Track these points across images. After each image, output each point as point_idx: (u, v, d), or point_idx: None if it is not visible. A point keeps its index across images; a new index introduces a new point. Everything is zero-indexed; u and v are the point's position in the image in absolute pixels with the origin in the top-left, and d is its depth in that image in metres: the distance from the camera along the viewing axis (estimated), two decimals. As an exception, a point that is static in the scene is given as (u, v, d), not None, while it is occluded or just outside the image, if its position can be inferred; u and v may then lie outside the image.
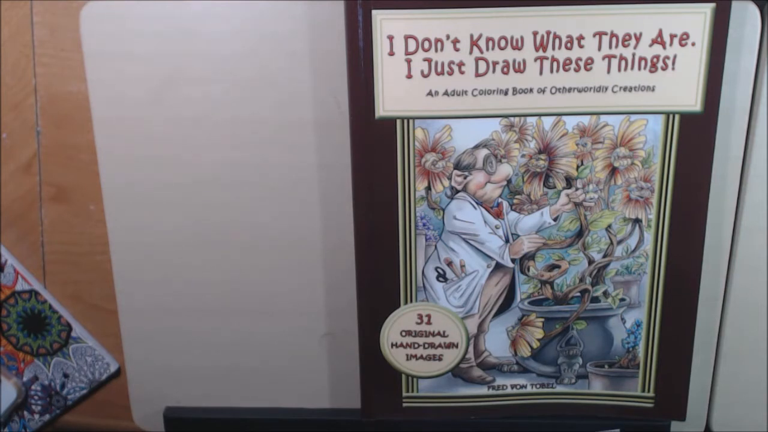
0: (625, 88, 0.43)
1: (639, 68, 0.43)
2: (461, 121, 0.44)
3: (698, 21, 0.42)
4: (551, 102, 0.43)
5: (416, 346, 0.49)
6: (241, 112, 0.47)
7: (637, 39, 0.42)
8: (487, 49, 0.42)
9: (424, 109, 0.44)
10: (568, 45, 0.42)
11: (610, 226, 0.46)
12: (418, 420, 0.51)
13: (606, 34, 0.42)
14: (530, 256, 0.47)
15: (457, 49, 0.42)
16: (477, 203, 0.46)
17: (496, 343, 0.49)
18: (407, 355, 0.49)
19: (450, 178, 0.45)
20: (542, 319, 0.49)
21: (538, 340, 0.49)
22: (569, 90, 0.43)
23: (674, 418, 0.50)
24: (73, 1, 0.47)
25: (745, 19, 0.43)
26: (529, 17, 0.42)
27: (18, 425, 0.58)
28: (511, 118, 0.44)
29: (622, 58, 0.42)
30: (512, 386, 0.50)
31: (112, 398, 0.58)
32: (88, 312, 0.55)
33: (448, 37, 0.42)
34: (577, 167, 0.45)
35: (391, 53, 0.42)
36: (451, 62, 0.43)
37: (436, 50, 0.42)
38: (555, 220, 0.46)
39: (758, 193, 0.47)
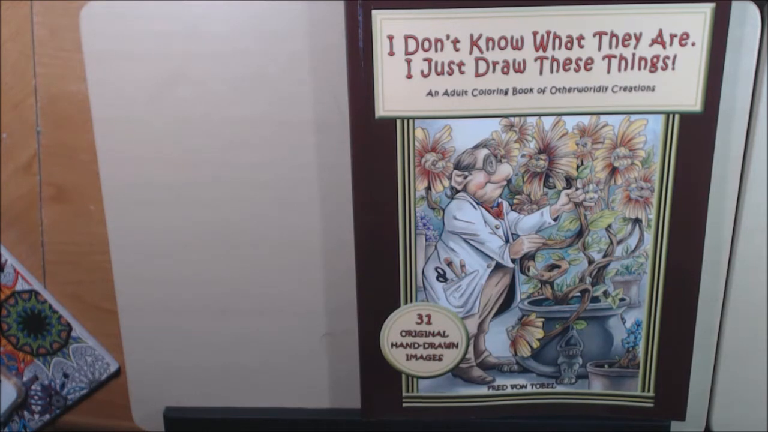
0: (625, 88, 0.43)
1: (639, 68, 0.43)
2: (461, 121, 0.44)
3: (698, 21, 0.41)
4: (551, 102, 0.43)
5: (416, 346, 0.49)
6: (242, 112, 0.47)
7: (637, 39, 0.42)
8: (487, 49, 0.42)
9: (424, 109, 0.44)
10: (568, 45, 0.42)
11: (610, 226, 0.46)
12: (418, 420, 0.51)
13: (606, 34, 0.42)
14: (530, 256, 0.47)
15: (457, 49, 0.42)
16: (477, 203, 0.46)
17: (496, 343, 0.49)
18: (407, 355, 0.49)
19: (450, 178, 0.45)
20: (542, 319, 0.49)
21: (538, 340, 0.49)
22: (569, 90, 0.43)
23: (674, 418, 0.50)
24: (73, 1, 0.47)
25: (745, 19, 0.43)
26: (529, 17, 0.42)
27: (18, 425, 0.58)
28: (511, 118, 0.44)
29: (622, 58, 0.42)
30: (512, 386, 0.50)
31: (112, 398, 0.58)
32: (88, 312, 0.55)
33: (448, 37, 0.42)
34: (577, 167, 0.45)
35: (391, 53, 0.42)
36: (451, 62, 0.43)
37: (436, 50, 0.42)
38: (555, 220, 0.46)
39: (758, 194, 0.47)
